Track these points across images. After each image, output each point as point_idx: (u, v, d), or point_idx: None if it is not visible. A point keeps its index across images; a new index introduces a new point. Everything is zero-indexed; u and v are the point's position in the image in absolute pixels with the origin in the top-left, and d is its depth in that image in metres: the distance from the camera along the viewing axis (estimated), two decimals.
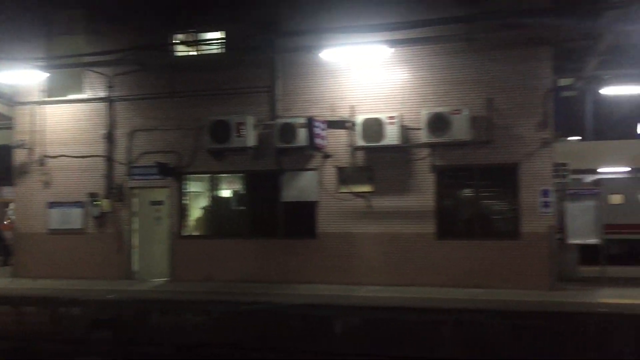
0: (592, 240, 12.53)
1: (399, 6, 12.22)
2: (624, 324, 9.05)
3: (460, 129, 11.70)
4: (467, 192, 12.41)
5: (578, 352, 8.99)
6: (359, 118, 12.32)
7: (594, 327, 9.16)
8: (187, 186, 14.01)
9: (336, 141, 12.80)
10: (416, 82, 12.49)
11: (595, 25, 11.43)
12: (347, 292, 11.58)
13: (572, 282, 12.39)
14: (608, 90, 16.42)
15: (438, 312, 9.86)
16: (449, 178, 12.40)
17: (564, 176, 12.51)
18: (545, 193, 11.69)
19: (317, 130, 12.28)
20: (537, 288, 11.45)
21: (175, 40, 14.03)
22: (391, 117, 12.13)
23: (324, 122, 12.60)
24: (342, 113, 12.75)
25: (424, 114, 11.92)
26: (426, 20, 11.78)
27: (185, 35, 14.09)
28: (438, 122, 11.78)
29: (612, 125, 23.04)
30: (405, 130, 12.30)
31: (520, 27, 11.63)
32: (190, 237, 13.93)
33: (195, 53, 14.23)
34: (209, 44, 13.84)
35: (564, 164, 12.64)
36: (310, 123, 12.12)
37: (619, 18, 11.18)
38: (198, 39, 14.14)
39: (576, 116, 19.46)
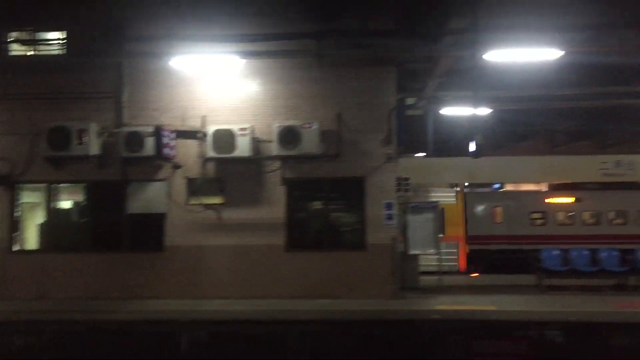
0: (431, 251, 13.35)
1: (253, 18, 12.28)
2: (453, 328, 9.65)
3: (310, 143, 11.92)
4: (316, 205, 12.64)
5: (408, 356, 9.46)
6: (211, 129, 12.11)
7: (427, 332, 9.67)
8: (21, 196, 12.90)
9: (186, 152, 12.48)
10: (268, 94, 12.55)
11: (433, 49, 12.22)
12: (194, 307, 11.25)
13: (414, 290, 13.07)
14: (447, 111, 17.65)
15: (284, 324, 9.89)
16: (300, 190, 12.56)
17: (406, 190, 13.19)
18: (388, 206, 12.23)
19: (165, 140, 11.88)
20: (380, 297, 11.90)
21: (10, 38, 12.94)
22: (243, 129, 12.06)
23: (173, 131, 12.23)
24: (193, 123, 12.46)
25: (276, 126, 12.00)
26: (278, 34, 12.00)
27: (21, 33, 13.03)
28: (289, 135, 11.91)
29: (452, 143, 24.80)
30: (257, 142, 12.29)
31: (367, 46, 12.14)
32: (23, 252, 12.81)
33: (32, 53, 13.19)
34: (48, 44, 12.89)
35: (406, 179, 13.32)
36: (158, 132, 11.71)
37: (454, 43, 12.06)
38: (36, 38, 13.13)
39: (421, 134, 20.68)
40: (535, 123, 22.90)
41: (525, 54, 11.37)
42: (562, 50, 11.33)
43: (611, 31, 12.04)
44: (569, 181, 15.97)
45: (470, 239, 17.68)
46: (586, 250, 13.74)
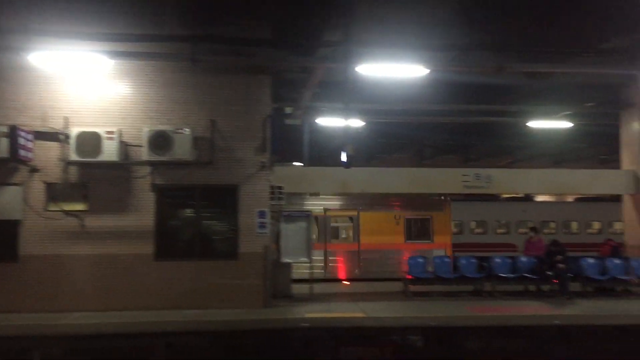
0: (303, 259, 13.47)
1: (124, 17, 11.80)
2: (321, 335, 9.79)
3: (182, 149, 11.61)
4: (188, 213, 12.31)
5: None
6: (74, 131, 11.43)
7: (296, 340, 9.72)
8: None
9: (46, 154, 11.68)
10: (139, 97, 12.07)
11: (307, 60, 12.42)
12: (50, 321, 10.51)
13: (286, 298, 13.12)
14: (322, 121, 18.00)
15: (150, 337, 9.49)
16: (170, 198, 12.17)
17: (279, 198, 13.23)
18: (262, 214, 12.19)
19: (22, 141, 11.04)
20: (252, 306, 11.81)
21: None
22: (110, 132, 11.51)
23: (31, 132, 11.41)
24: (55, 124, 11.69)
25: (146, 131, 11.58)
26: (151, 35, 11.63)
27: None
28: (160, 140, 11.54)
29: (327, 153, 25.32)
30: (125, 146, 11.78)
31: (243, 54, 12.08)
32: None
33: None
34: None
35: (280, 187, 13.37)
36: (13, 132, 10.85)
37: (327, 56, 12.34)
38: None
39: (297, 143, 20.92)
40: (405, 136, 24.01)
41: (394, 70, 11.87)
42: (428, 68, 11.96)
43: (472, 52, 12.89)
44: (435, 192, 16.81)
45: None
46: (447, 258, 14.54)
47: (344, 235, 19.10)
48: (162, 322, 10.44)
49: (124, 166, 11.85)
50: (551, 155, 28.23)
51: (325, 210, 18.53)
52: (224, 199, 12.29)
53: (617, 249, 15.39)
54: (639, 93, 15.85)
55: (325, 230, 18.48)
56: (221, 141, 12.21)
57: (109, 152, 11.46)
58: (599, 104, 17.66)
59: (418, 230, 19.06)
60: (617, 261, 14.42)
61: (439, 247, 18.53)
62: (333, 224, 18.91)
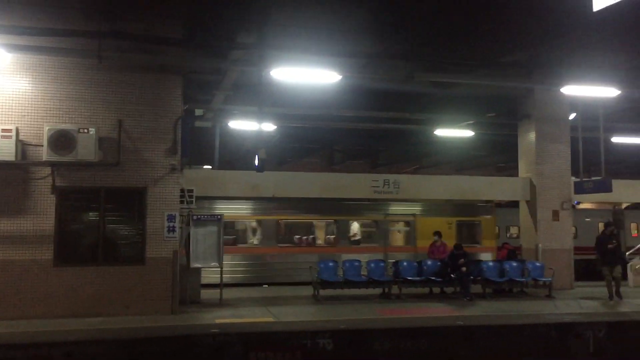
0: (214, 264, 13.26)
1: (24, 9, 11.11)
2: (230, 341, 9.65)
3: (86, 149, 11.11)
4: (92, 216, 11.75)
5: None
6: None
7: (205, 347, 9.53)
8: None
9: None
10: (40, 94, 11.41)
11: (220, 62, 12.26)
12: None
13: (195, 304, 12.85)
14: (235, 124, 17.83)
15: (47, 347, 8.98)
16: (73, 200, 11.57)
17: (190, 202, 12.96)
18: (170, 218, 11.88)
19: None
20: (160, 312, 11.50)
21: None
22: (7, 130, 10.83)
23: None
24: None
25: (47, 129, 10.99)
26: (53, 29, 11.06)
27: None
28: (62, 140, 10.99)
29: (239, 156, 25.13)
30: (23, 145, 11.12)
31: (152, 52, 11.73)
32: None
33: None
34: None
35: (190, 190, 13.10)
36: None
37: (241, 58, 12.24)
38: None
39: (208, 146, 20.60)
40: (316, 141, 24.27)
41: (307, 75, 11.94)
42: (340, 74, 12.14)
43: (383, 60, 13.24)
44: (346, 197, 17.04)
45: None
46: (357, 262, 14.78)
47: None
48: (61, 331, 9.91)
49: (22, 166, 11.17)
50: (454, 162, 29.48)
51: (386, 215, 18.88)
52: (131, 202, 11.86)
53: (513, 252, 16.27)
54: (534, 106, 16.88)
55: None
56: (129, 142, 11.79)
57: (5, 151, 10.78)
58: (499, 114, 18.64)
59: (468, 234, 19.81)
60: (514, 264, 15.24)
61: (486, 250, 19.15)
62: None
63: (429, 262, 15.01)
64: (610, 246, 14.21)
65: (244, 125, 17.62)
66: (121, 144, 11.69)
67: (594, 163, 18.97)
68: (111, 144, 11.63)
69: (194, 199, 13.10)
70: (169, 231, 11.88)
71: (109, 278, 11.51)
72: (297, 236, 19.18)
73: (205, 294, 13.58)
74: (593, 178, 17.32)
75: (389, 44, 13.04)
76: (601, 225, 19.44)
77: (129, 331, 9.98)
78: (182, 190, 12.49)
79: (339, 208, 18.77)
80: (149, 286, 11.68)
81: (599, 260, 14.58)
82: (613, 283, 14.34)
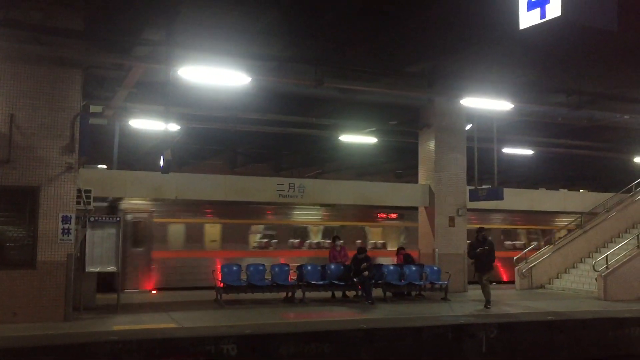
0: (111, 268, 12.68)
1: None
2: (131, 349, 9.27)
3: None
4: None
5: None
6: None
7: (103, 355, 9.09)
8: None
9: None
10: None
11: (123, 57, 11.77)
12: None
13: (90, 310, 12.23)
14: (136, 123, 17.17)
15: None
16: None
17: (87, 203, 12.32)
18: (65, 219, 11.23)
19: None
20: (52, 319, 10.86)
21: None
22: None
23: None
24: None
25: None
26: None
27: None
28: None
29: (139, 156, 24.24)
30: None
31: (50, 44, 11.05)
32: None
33: None
34: None
35: (88, 191, 12.46)
36: None
37: (147, 55, 11.82)
38: None
39: (105, 145, 19.70)
40: (219, 143, 23.92)
41: (216, 76, 11.73)
42: (249, 76, 12.03)
43: (292, 64, 13.27)
44: (251, 200, 16.89)
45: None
46: (261, 266, 14.69)
47: None
48: None
49: None
50: (355, 167, 30.10)
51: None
52: (22, 201, 11.10)
53: (409, 257, 16.77)
54: (434, 115, 17.59)
55: None
56: (21, 138, 11.04)
57: None
58: (401, 123, 19.25)
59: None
60: (413, 268, 15.77)
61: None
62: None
63: (333, 266, 15.20)
64: (477, 251, 14.28)
65: (145, 124, 17.01)
66: (12, 139, 10.92)
67: (486, 172, 20.03)
68: (1, 140, 10.84)
69: (91, 200, 12.46)
70: (63, 233, 11.23)
71: None
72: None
73: (101, 299, 12.97)
74: (484, 186, 18.27)
75: (298, 48, 13.11)
76: None
77: (17, 340, 9.31)
78: (79, 191, 11.85)
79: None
80: (40, 292, 10.99)
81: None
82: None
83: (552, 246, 19.83)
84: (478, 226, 15.09)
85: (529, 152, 22.73)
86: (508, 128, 19.51)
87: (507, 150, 21.62)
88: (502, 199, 17.03)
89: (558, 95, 15.93)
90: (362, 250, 15.23)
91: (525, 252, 19.66)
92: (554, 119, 18.14)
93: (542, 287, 18.94)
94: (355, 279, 14.64)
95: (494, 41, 11.79)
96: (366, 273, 14.46)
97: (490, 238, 14.66)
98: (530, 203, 21.10)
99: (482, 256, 14.11)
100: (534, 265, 19.02)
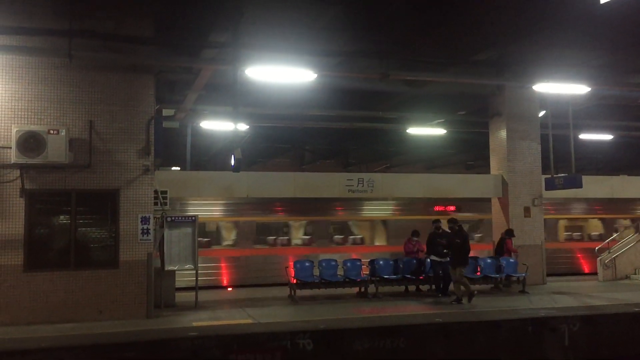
0: (189, 267, 13.05)
1: None
2: (210, 345, 9.49)
3: (57, 151, 10.80)
4: (63, 219, 11.42)
5: None
6: None
7: (184, 351, 9.36)
8: None
9: None
10: (7, 95, 11.05)
11: (192, 60, 12.06)
12: None
13: (170, 308, 12.62)
14: (206, 124, 17.61)
15: (19, 355, 8.69)
16: (43, 204, 11.26)
17: (164, 203, 12.73)
18: (144, 220, 11.63)
19: None
20: (134, 317, 11.27)
21: None
22: None
23: None
24: None
25: (15, 131, 10.65)
26: (19, 28, 10.77)
27: None
28: (31, 142, 10.67)
29: (209, 157, 24.87)
30: None
31: (123, 51, 11.48)
32: None
33: None
34: None
35: (164, 192, 12.87)
36: None
37: (214, 57, 12.07)
38: None
39: (177, 147, 20.32)
40: (287, 141, 24.18)
41: (282, 74, 11.85)
42: (315, 73, 12.08)
43: (357, 59, 13.22)
44: (320, 196, 16.93)
45: None
46: (333, 262, 14.72)
47: None
48: (33, 337, 9.60)
49: None
50: (423, 160, 29.72)
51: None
52: (103, 204, 11.58)
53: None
54: (505, 103, 17.09)
55: None
56: (100, 143, 11.51)
57: None
58: (470, 112, 18.83)
59: None
60: (488, 260, 15.46)
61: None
62: None
63: (405, 260, 15.04)
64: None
65: (215, 125, 17.41)
66: (92, 145, 11.41)
67: (562, 160, 19.30)
68: (82, 145, 11.34)
69: (167, 201, 12.87)
70: (142, 234, 11.64)
71: (82, 282, 11.23)
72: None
73: (179, 297, 13.37)
74: (561, 174, 17.61)
75: (363, 42, 13.04)
76: None
77: (103, 336, 9.73)
78: (155, 192, 12.25)
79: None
80: (122, 290, 11.43)
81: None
82: (462, 288, 13.29)
83: (637, 235, 18.86)
84: (450, 217, 14.58)
85: (607, 137, 21.73)
86: (584, 113, 18.73)
87: (584, 136, 20.75)
88: (580, 186, 16.35)
89: (638, 75, 15.13)
90: (437, 222, 14.72)
91: (608, 242, 18.80)
92: (633, 101, 17.25)
93: (626, 277, 18.07)
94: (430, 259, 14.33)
95: (569, 21, 11.26)
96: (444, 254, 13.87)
97: (461, 229, 13.74)
98: (610, 190, 20.16)
99: (456, 249, 13.28)
100: (617, 255, 18.16)
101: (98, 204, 11.58)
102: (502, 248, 16.18)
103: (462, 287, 13.24)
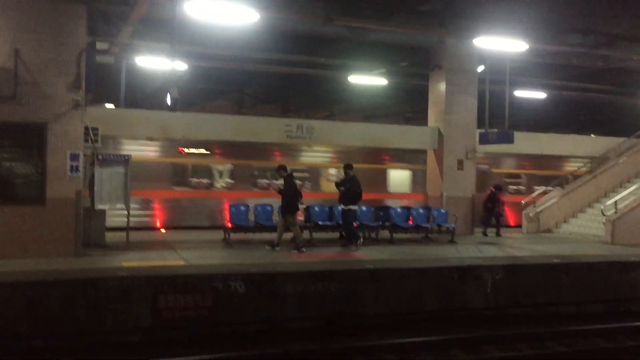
0: (120, 206, 12.76)
1: None
2: (137, 284, 9.39)
3: None
4: None
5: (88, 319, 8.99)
6: None
7: (112, 290, 9.23)
8: None
9: None
10: None
11: None
12: None
13: (100, 248, 12.38)
14: (142, 61, 16.93)
15: None
16: None
17: (95, 140, 12.29)
18: (74, 157, 11.23)
19: None
20: (62, 255, 11.01)
21: None
22: None
23: None
24: None
25: None
26: None
27: None
28: None
29: (145, 96, 24.05)
30: None
31: None
32: None
33: None
34: None
35: (95, 129, 12.41)
36: None
37: None
38: None
39: (111, 83, 19.49)
40: (226, 83, 23.63)
41: (224, 13, 11.42)
42: (258, 13, 11.72)
43: (301, 1, 12.91)
44: (259, 141, 16.77)
45: None
46: (269, 207, 14.67)
47: None
48: None
49: None
50: (364, 110, 29.78)
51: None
52: (29, 138, 11.08)
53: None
54: (446, 57, 17.22)
55: None
56: (27, 74, 10.91)
57: None
58: (412, 64, 18.89)
59: None
60: (421, 210, 15.84)
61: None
62: None
63: (340, 208, 15.17)
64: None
65: (152, 62, 16.77)
66: (18, 74, 10.82)
67: (497, 116, 19.76)
68: (6, 75, 10.75)
69: (99, 138, 12.42)
70: (72, 170, 11.26)
71: (5, 218, 10.85)
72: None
73: (111, 237, 13.11)
74: (494, 130, 18.05)
75: None
76: None
77: (27, 274, 9.45)
78: (86, 129, 11.80)
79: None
80: (49, 228, 11.10)
81: None
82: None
83: (561, 191, 19.75)
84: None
85: (541, 95, 22.35)
86: (521, 70, 19.12)
87: (519, 93, 21.26)
88: (512, 142, 16.84)
89: (574, 35, 15.52)
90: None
91: (534, 197, 19.60)
92: (568, 60, 17.72)
93: (549, 231, 19.00)
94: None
95: None
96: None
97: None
98: (539, 147, 20.89)
99: (287, 195, 13.02)
100: (541, 210, 19.01)
101: (24, 138, 11.07)
102: (495, 203, 16.87)
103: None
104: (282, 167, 13.48)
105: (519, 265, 12.26)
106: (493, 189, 17.44)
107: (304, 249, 12.88)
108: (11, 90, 10.72)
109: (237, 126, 15.91)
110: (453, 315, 11.13)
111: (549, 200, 19.33)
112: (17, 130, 10.94)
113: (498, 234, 17.27)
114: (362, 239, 13.98)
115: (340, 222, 14.43)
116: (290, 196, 13.02)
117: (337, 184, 14.27)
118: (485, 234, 17.17)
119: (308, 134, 16.28)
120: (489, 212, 17.26)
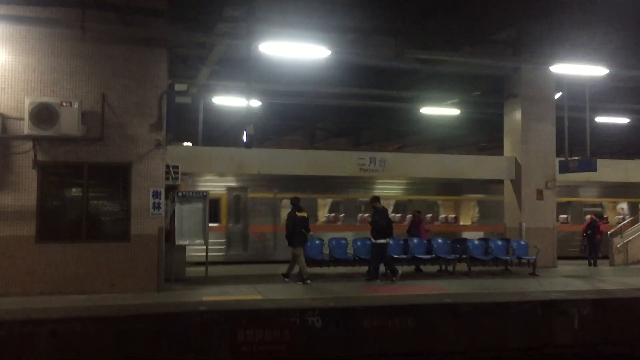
0: (199, 242, 13.10)
1: None
2: (219, 319, 9.54)
3: (69, 123, 10.81)
4: (75, 192, 11.47)
5: (171, 352, 9.16)
6: None
7: (192, 325, 9.42)
8: None
9: None
10: (21, 66, 11.04)
11: (206, 35, 11.96)
12: None
13: (180, 282, 12.70)
14: (219, 100, 17.55)
15: (31, 324, 8.79)
16: (55, 176, 11.30)
17: (175, 178, 12.75)
18: (156, 194, 11.66)
19: None
20: (145, 290, 11.34)
21: None
22: None
23: None
24: None
25: (28, 103, 10.65)
26: None
27: None
28: (44, 114, 10.67)
29: (221, 133, 24.83)
30: (4, 119, 10.79)
31: (137, 24, 11.40)
32: None
33: None
34: None
35: (175, 167, 12.88)
36: None
37: (228, 32, 11.96)
38: None
39: (189, 122, 20.28)
40: (298, 118, 24.08)
41: (296, 50, 11.72)
42: (329, 49, 11.94)
43: (372, 36, 13.05)
44: (332, 174, 16.88)
45: None
46: (344, 240, 14.69)
47: None
48: (45, 308, 9.69)
49: (2, 140, 10.86)
50: (437, 141, 29.52)
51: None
52: (115, 178, 11.61)
53: None
54: (521, 85, 16.85)
55: None
56: (112, 117, 11.49)
57: None
58: (485, 93, 18.61)
59: None
60: (499, 242, 15.35)
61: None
62: None
63: (415, 240, 15.00)
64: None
65: (228, 101, 17.34)
66: (105, 118, 11.40)
67: (577, 143, 19.08)
68: (94, 118, 11.33)
69: (179, 176, 12.87)
70: (154, 208, 11.67)
71: (93, 255, 11.30)
72: None
73: (190, 272, 13.44)
74: (575, 157, 17.43)
75: (378, 20, 12.86)
76: None
77: (114, 309, 9.82)
78: (167, 167, 12.26)
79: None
80: (134, 263, 11.50)
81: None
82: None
83: None
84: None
85: (624, 120, 21.43)
86: (601, 95, 18.45)
87: (600, 119, 20.48)
88: (595, 170, 16.18)
89: None
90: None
91: (620, 227, 18.65)
92: None
93: (638, 262, 17.96)
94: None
95: (588, 0, 11.05)
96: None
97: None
98: (625, 174, 19.94)
99: (298, 226, 12.86)
100: (630, 240, 18.03)
101: (110, 178, 11.61)
102: (595, 231, 16.51)
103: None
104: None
105: (609, 300, 11.62)
106: (594, 217, 17.03)
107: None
108: (99, 133, 11.32)
109: (310, 160, 16.10)
110: (538, 352, 10.63)
111: (638, 230, 18.31)
112: (104, 170, 11.50)
113: (594, 264, 16.60)
114: (399, 272, 13.51)
115: (416, 255, 14.25)
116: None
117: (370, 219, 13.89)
118: (593, 264, 16.87)
119: (381, 166, 16.25)
120: (590, 240, 16.74)
